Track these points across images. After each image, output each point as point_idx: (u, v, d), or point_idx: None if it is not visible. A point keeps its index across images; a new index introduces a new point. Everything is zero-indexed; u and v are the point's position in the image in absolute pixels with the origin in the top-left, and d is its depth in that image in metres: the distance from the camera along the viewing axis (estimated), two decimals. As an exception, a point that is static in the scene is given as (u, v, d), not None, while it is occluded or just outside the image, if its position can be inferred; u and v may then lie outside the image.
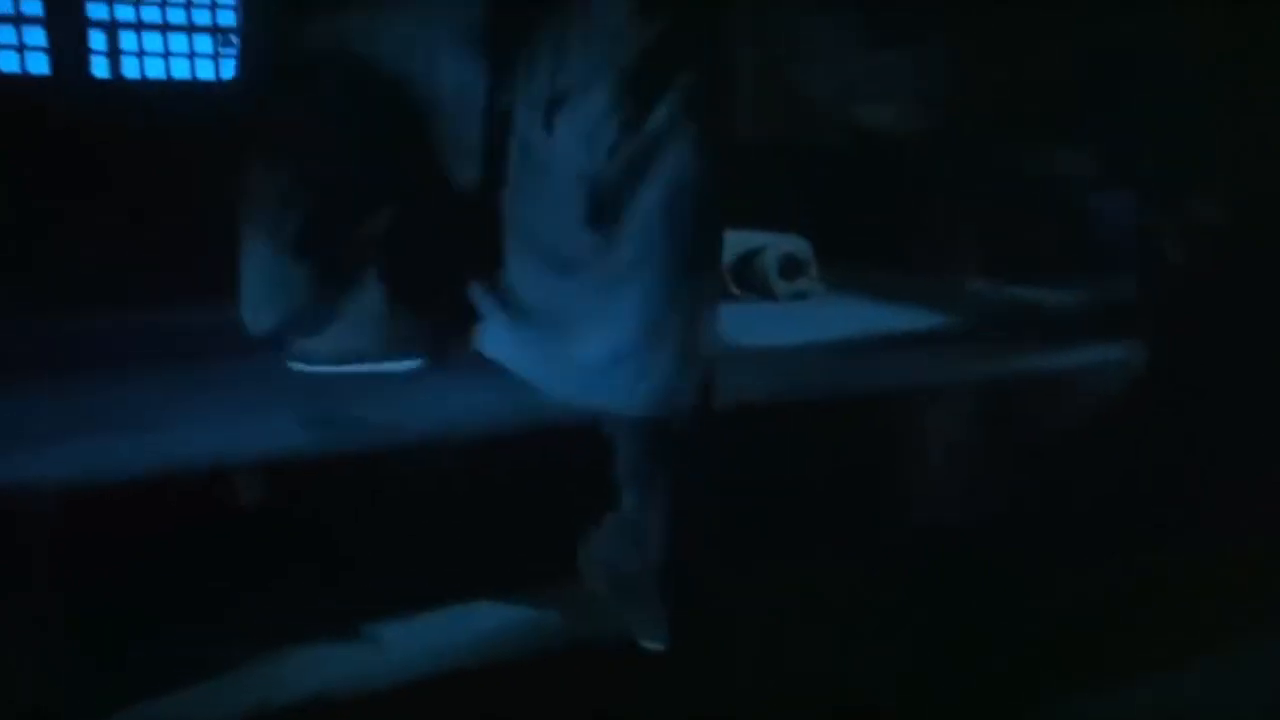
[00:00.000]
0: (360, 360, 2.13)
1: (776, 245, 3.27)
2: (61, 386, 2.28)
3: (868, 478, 2.50)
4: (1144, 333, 2.98)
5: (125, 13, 3.99)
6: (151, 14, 4.04)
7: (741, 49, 3.91)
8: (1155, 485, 2.60)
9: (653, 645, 1.95)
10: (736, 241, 3.31)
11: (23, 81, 3.90)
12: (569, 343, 1.96)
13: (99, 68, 3.98)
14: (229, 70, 4.09)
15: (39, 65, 3.92)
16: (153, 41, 4.04)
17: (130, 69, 4.03)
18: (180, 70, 4.10)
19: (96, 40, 3.97)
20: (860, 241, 3.49)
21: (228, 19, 4.06)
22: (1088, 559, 2.38)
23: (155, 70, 4.06)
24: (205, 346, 2.71)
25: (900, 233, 3.55)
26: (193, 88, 4.10)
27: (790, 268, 3.28)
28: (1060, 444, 2.77)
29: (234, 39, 3.97)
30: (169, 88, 4.08)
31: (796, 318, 3.09)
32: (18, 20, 3.91)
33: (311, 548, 1.96)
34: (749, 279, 3.26)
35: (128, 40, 4.01)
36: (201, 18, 4.08)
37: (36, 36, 3.92)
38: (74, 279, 3.16)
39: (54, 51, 3.93)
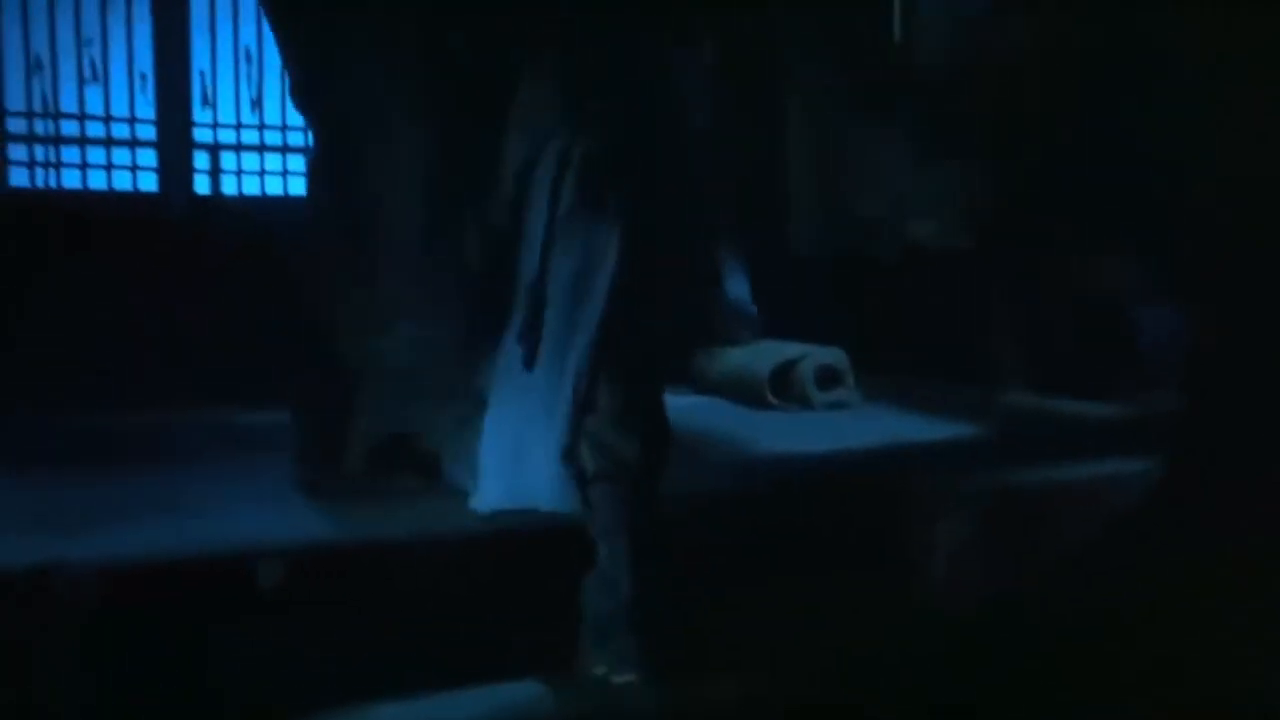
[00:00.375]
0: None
1: (814, 356, 3.35)
2: (112, 477, 2.50)
3: (879, 575, 2.52)
4: (1173, 446, 2.96)
5: (227, 135, 4.35)
6: (250, 136, 4.39)
7: (784, 165, 4.07)
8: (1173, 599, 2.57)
9: (623, 678, 2.05)
10: (774, 352, 3.41)
11: (134, 198, 4.27)
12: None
13: (201, 185, 4.33)
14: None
15: (149, 183, 4.30)
16: (250, 161, 4.39)
17: (229, 186, 4.38)
18: (274, 187, 4.43)
19: (201, 160, 4.33)
20: (898, 353, 3.55)
21: (320, 141, 4.38)
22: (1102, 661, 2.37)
23: (252, 187, 4.40)
24: (262, 443, 2.91)
25: (937, 345, 3.60)
26: (286, 203, 4.41)
27: (827, 378, 3.35)
28: (1082, 552, 2.76)
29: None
30: (265, 203, 4.40)
31: (830, 426, 3.16)
32: (133, 143, 4.30)
33: (323, 630, 2.09)
34: (786, 389, 3.34)
35: (228, 160, 4.36)
36: (295, 139, 4.41)
37: (148, 158, 4.30)
38: (148, 379, 3.43)
39: (163, 171, 4.30)
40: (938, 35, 4.23)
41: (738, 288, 3.92)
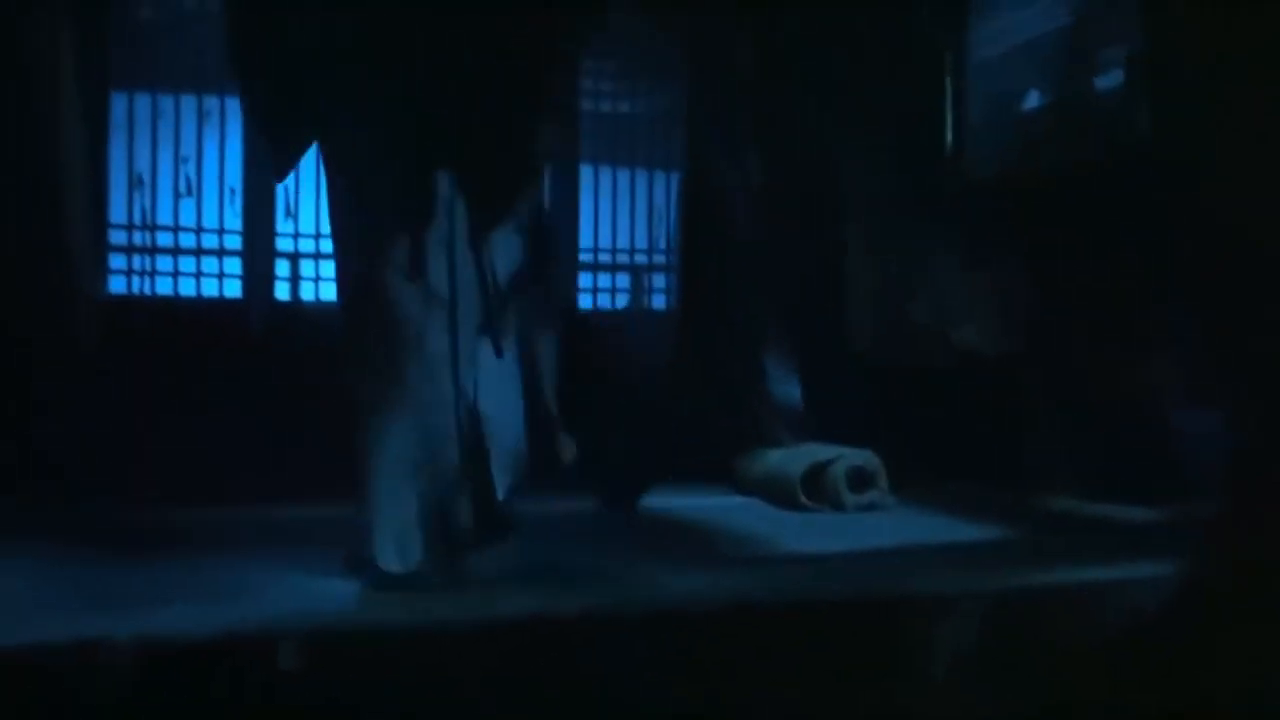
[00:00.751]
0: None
1: (845, 458, 3.42)
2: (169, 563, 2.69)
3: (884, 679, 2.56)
4: (1214, 550, 2.95)
5: (306, 244, 4.66)
6: (329, 245, 4.67)
7: (833, 269, 4.19)
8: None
9: None
10: (809, 454, 3.49)
11: (218, 304, 4.58)
12: None
13: (281, 291, 4.62)
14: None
15: (233, 289, 4.61)
16: (328, 268, 4.67)
17: (307, 293, 4.67)
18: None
19: (282, 268, 4.63)
20: (935, 456, 3.61)
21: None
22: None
23: (329, 293, 4.67)
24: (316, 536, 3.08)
25: (975, 448, 3.64)
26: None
27: (859, 480, 3.42)
28: (1119, 658, 2.75)
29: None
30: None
31: (858, 527, 3.22)
32: (221, 253, 4.63)
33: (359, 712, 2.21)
34: (818, 491, 3.41)
35: (306, 267, 4.66)
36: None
37: (234, 266, 4.62)
38: (217, 473, 3.64)
39: (247, 278, 4.61)
40: (989, 143, 4.36)
41: (785, 389, 4.01)
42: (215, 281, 4.61)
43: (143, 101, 4.55)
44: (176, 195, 4.63)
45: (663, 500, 3.60)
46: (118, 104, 4.49)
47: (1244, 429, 3.32)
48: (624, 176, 5.08)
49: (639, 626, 2.48)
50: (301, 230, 4.66)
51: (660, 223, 5.09)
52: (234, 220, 4.63)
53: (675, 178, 4.90)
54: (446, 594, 2.51)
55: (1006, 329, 3.86)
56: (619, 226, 5.07)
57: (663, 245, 5.08)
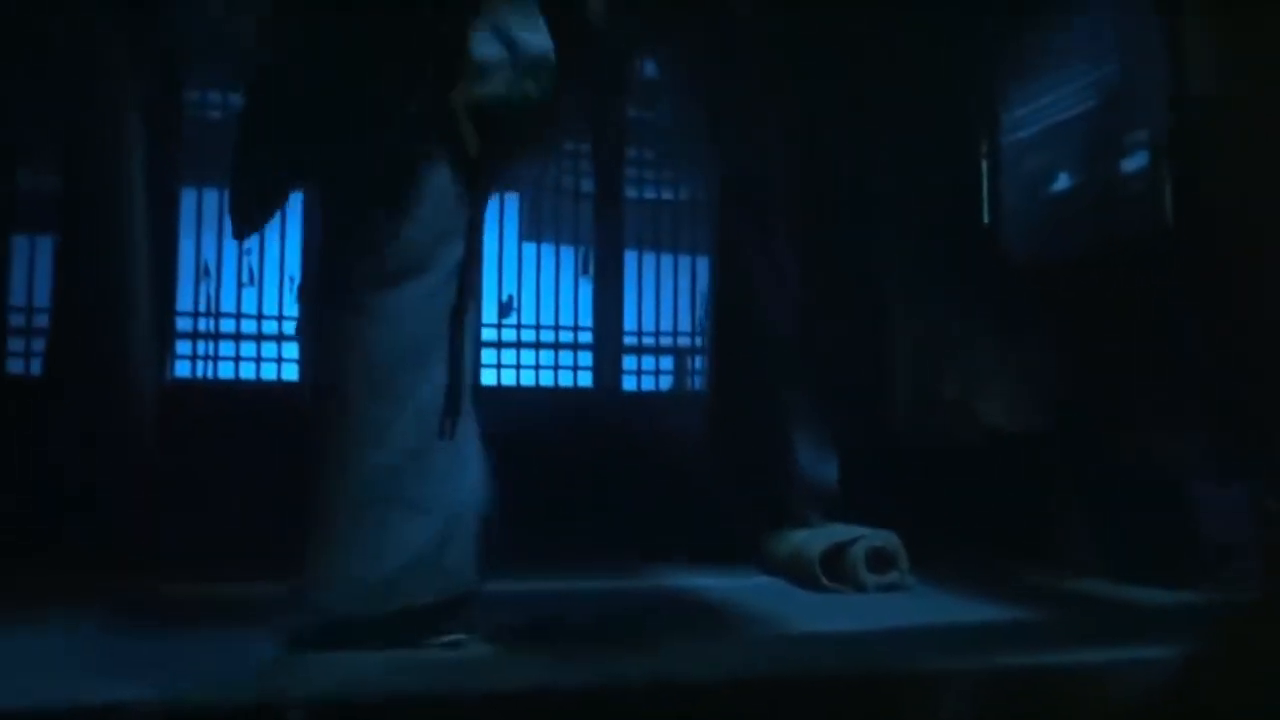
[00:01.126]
0: None
1: (866, 539, 3.45)
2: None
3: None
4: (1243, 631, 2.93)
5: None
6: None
7: (865, 346, 4.25)
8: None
9: None
10: (828, 534, 3.53)
11: (276, 388, 4.79)
12: None
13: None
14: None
15: (290, 373, 4.82)
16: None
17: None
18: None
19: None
20: (958, 535, 3.62)
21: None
22: None
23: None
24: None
25: (1000, 528, 3.65)
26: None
27: (880, 560, 3.44)
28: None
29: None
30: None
31: (876, 607, 3.24)
32: (280, 338, 4.85)
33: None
34: (838, 571, 3.44)
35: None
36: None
37: (292, 350, 4.83)
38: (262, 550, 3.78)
39: (303, 362, 4.82)
40: (1019, 223, 4.42)
41: (813, 470, 4.03)
42: (274, 365, 4.82)
43: (211, 197, 4.82)
44: (240, 284, 4.88)
45: (687, 579, 3.67)
46: (187, 199, 4.76)
47: (1273, 510, 3.30)
48: (668, 261, 5.23)
49: (642, 702, 2.54)
50: (355, 315, 4.86)
51: (703, 306, 5.21)
52: (293, 307, 4.86)
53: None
54: (464, 663, 2.60)
55: (1035, 408, 3.88)
56: (662, 310, 5.21)
57: (705, 328, 5.21)
